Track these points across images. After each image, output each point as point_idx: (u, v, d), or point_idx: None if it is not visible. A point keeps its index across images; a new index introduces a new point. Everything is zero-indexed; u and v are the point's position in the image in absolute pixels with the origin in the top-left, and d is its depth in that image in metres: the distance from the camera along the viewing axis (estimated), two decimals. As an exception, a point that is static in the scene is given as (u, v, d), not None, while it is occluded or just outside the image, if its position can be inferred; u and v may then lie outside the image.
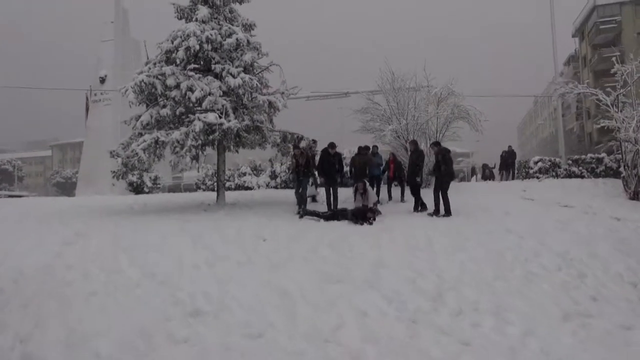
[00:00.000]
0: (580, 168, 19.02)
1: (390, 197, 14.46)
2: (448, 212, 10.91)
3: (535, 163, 19.62)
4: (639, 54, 16.30)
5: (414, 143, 12.54)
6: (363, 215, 10.39)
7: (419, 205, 11.98)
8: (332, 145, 12.37)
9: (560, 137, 29.74)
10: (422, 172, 12.33)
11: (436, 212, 11.08)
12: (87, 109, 32.24)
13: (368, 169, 13.36)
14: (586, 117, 49.57)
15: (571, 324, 4.64)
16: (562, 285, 5.88)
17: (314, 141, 13.77)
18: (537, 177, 19.03)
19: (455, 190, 17.05)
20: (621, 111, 15.05)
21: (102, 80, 32.14)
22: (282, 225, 10.02)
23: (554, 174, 19.22)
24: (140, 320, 4.81)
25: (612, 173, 18.50)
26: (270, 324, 4.62)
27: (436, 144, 11.83)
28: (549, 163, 19.51)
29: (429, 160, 16.22)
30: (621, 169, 15.16)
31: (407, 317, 4.77)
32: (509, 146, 23.90)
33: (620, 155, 17.26)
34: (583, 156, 19.80)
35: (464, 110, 16.44)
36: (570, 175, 19.00)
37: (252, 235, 8.91)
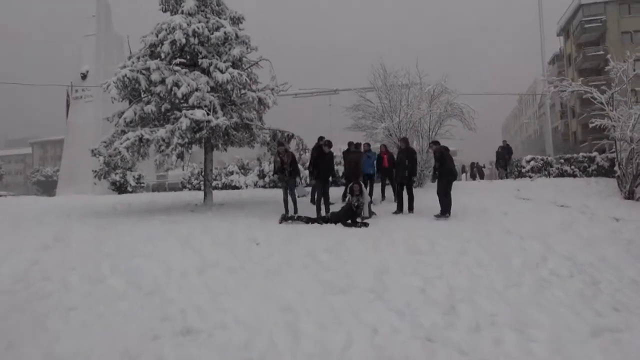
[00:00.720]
0: (572, 167, 18.86)
1: (383, 197, 14.07)
2: (447, 213, 10.53)
3: (528, 162, 19.43)
4: (624, 53, 16.14)
5: (405, 141, 12.08)
6: (353, 216, 9.91)
7: (400, 208, 11.64)
8: (328, 143, 11.59)
9: (548, 135, 29.83)
10: (415, 170, 11.87)
11: (443, 214, 10.59)
12: (67, 106, 31.25)
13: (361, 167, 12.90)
14: (571, 115, 49.91)
15: (600, 340, 4.26)
16: (579, 294, 5.53)
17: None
18: (530, 176, 18.82)
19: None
20: (616, 110, 14.88)
21: (84, 76, 31.17)
22: (274, 227, 9.56)
23: (546, 173, 19.04)
24: (125, 339, 4.31)
25: (603, 172, 18.37)
26: (272, 344, 4.15)
27: (435, 143, 11.45)
28: (542, 162, 19.32)
29: (422, 159, 15.89)
30: (616, 168, 14.97)
31: (421, 334, 4.35)
32: (504, 141, 23.69)
33: (612, 154, 17.17)
34: (575, 155, 19.66)
35: (457, 108, 16.13)
36: (562, 174, 18.85)
37: (243, 238, 8.44)
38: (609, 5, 44.10)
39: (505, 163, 21.59)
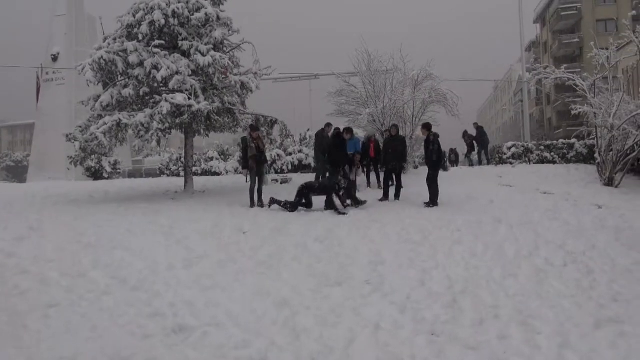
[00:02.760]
0: (552, 153, 19.03)
1: (369, 184, 13.92)
2: (435, 202, 10.41)
3: (509, 148, 19.52)
4: (600, 40, 16.27)
5: (396, 127, 11.91)
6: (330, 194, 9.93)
7: (385, 195, 11.39)
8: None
9: (526, 122, 30.11)
10: (405, 158, 11.69)
11: (433, 202, 10.42)
12: (38, 89, 30.09)
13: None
14: (546, 102, 50.64)
15: (605, 332, 4.19)
16: (577, 285, 5.47)
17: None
18: (511, 163, 18.94)
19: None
20: (597, 97, 14.98)
21: (55, 58, 30.00)
22: (261, 215, 9.30)
23: (526, 159, 19.19)
24: (112, 339, 4.04)
25: (582, 159, 18.59)
26: (272, 342, 3.94)
27: (428, 127, 10.89)
28: (522, 148, 19.45)
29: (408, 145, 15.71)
30: (596, 155, 15.13)
31: (425, 328, 4.20)
32: (475, 123, 21.95)
33: (591, 141, 17.37)
34: (554, 142, 19.84)
35: (441, 94, 15.99)
36: (542, 160, 19.01)
37: (230, 227, 8.17)
38: (585, -7, 44.60)
39: (485, 147, 20.58)
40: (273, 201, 10.31)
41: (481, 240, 7.36)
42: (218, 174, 20.89)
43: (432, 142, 10.55)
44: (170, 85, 11.23)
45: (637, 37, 13.86)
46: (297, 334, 4.09)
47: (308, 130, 22.10)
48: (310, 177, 14.35)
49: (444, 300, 4.84)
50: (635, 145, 13.97)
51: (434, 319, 4.39)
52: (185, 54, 11.87)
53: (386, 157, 11.62)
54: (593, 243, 7.42)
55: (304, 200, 10.09)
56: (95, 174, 21.99)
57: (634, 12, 15.95)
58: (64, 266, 5.96)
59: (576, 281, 5.63)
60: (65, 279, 5.52)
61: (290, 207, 9.99)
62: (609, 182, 14.20)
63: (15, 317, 4.43)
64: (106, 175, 22.12)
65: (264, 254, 6.53)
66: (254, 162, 10.72)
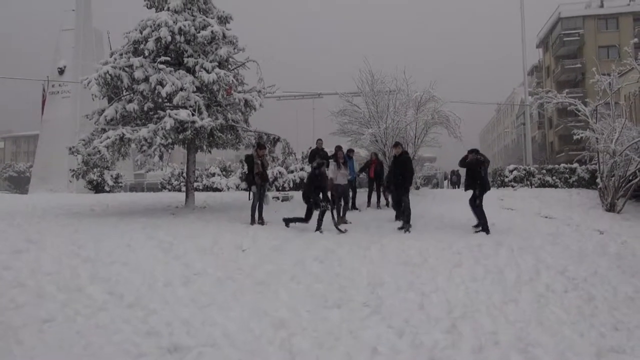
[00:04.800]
0: (554, 177, 19.02)
1: (369, 203, 13.90)
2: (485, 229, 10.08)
3: (511, 172, 19.51)
4: (602, 66, 16.39)
5: (400, 145, 11.56)
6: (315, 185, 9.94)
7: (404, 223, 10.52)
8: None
9: (528, 145, 30.14)
10: (412, 178, 11.38)
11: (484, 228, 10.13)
12: (43, 101, 30.28)
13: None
14: (548, 126, 50.82)
15: (606, 362, 4.13)
16: (579, 312, 5.41)
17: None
18: (512, 186, 18.91)
19: (432, 198, 16.71)
20: (598, 122, 15.04)
21: (61, 71, 30.23)
22: (261, 233, 9.26)
23: (528, 183, 19.17)
24: (106, 358, 3.99)
25: (584, 183, 18.56)
26: (267, 364, 3.89)
27: (476, 151, 10.49)
28: (524, 172, 19.44)
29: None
30: (598, 180, 15.11)
31: (424, 354, 4.15)
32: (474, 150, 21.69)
33: (593, 166, 17.37)
34: (557, 166, 19.83)
35: (443, 116, 16.08)
36: (544, 184, 18.98)
37: (229, 244, 8.13)
38: (587, 19, 45.10)
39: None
40: (287, 221, 10.24)
41: (481, 264, 7.31)
42: (219, 190, 20.89)
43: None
44: (175, 101, 11.29)
45: (639, 64, 13.97)
46: (292, 356, 4.04)
47: (310, 148, 22.16)
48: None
49: (443, 325, 4.78)
50: (637, 171, 13.97)
51: (433, 344, 4.33)
52: (190, 71, 11.97)
53: (395, 178, 10.89)
54: (594, 269, 7.37)
55: (311, 200, 10.06)
56: (97, 187, 22.00)
57: (635, 40, 16.13)
58: (62, 280, 5.91)
59: (577, 308, 5.58)
60: (62, 293, 5.47)
61: (305, 218, 10.03)
62: (611, 208, 14.16)
63: (9, 332, 4.38)
64: (108, 189, 22.13)
65: (262, 272, 6.49)
66: (260, 178, 10.71)
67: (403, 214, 10.59)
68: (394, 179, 10.89)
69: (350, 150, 14.18)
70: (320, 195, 10.02)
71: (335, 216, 10.35)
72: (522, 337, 4.60)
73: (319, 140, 14.41)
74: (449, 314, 5.09)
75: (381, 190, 13.78)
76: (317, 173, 10.16)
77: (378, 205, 13.77)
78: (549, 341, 4.51)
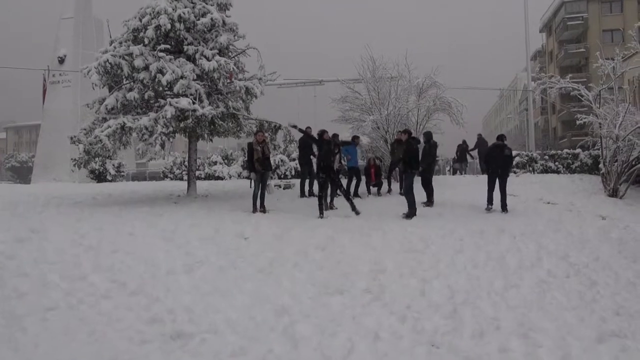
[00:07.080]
0: (557, 163, 18.95)
1: (369, 192, 13.89)
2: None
3: (513, 158, 19.42)
4: (606, 50, 16.22)
5: (408, 132, 11.31)
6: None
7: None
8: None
9: (531, 131, 30.05)
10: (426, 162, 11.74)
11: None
12: (44, 91, 30.20)
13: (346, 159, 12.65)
14: (551, 111, 50.52)
15: (607, 346, 4.15)
16: (580, 297, 5.43)
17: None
18: (515, 172, 18.85)
19: (435, 184, 16.66)
20: (602, 107, 14.91)
21: (61, 60, 30.08)
22: (263, 221, 9.27)
23: (530, 168, 19.11)
24: (110, 344, 4.02)
25: (586, 169, 18.49)
26: (269, 350, 3.91)
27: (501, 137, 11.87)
28: (526, 158, 19.38)
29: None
30: (600, 165, 15.04)
31: (425, 339, 4.17)
32: (479, 134, 21.51)
33: (595, 151, 17.28)
34: (559, 151, 19.74)
35: (445, 102, 15.97)
36: (546, 170, 18.92)
37: (231, 233, 8.14)
38: (591, 3, 44.54)
39: (481, 156, 18.17)
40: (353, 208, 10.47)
41: (483, 250, 7.32)
42: (221, 179, 20.88)
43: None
44: (175, 89, 11.24)
45: (643, 48, 13.82)
46: (295, 342, 4.07)
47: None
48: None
49: (444, 311, 4.80)
50: (640, 156, 13.90)
51: (434, 330, 4.36)
52: (191, 59, 11.89)
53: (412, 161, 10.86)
54: (596, 255, 7.37)
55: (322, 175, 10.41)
56: (99, 177, 22.02)
57: (640, 23, 15.93)
58: (64, 269, 5.95)
59: (579, 293, 5.59)
60: (65, 281, 5.51)
61: (320, 191, 10.39)
62: (614, 193, 14.11)
63: (13, 320, 4.42)
64: (110, 178, 22.14)
65: (264, 260, 6.51)
66: (260, 165, 10.67)
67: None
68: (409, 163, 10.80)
69: (356, 137, 14.07)
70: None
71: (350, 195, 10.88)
72: (523, 322, 4.62)
73: (308, 128, 14.04)
74: (451, 300, 5.11)
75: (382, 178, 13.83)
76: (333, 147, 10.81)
77: (379, 193, 13.77)
78: (550, 326, 4.53)
